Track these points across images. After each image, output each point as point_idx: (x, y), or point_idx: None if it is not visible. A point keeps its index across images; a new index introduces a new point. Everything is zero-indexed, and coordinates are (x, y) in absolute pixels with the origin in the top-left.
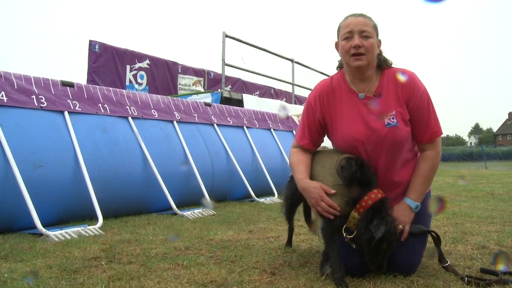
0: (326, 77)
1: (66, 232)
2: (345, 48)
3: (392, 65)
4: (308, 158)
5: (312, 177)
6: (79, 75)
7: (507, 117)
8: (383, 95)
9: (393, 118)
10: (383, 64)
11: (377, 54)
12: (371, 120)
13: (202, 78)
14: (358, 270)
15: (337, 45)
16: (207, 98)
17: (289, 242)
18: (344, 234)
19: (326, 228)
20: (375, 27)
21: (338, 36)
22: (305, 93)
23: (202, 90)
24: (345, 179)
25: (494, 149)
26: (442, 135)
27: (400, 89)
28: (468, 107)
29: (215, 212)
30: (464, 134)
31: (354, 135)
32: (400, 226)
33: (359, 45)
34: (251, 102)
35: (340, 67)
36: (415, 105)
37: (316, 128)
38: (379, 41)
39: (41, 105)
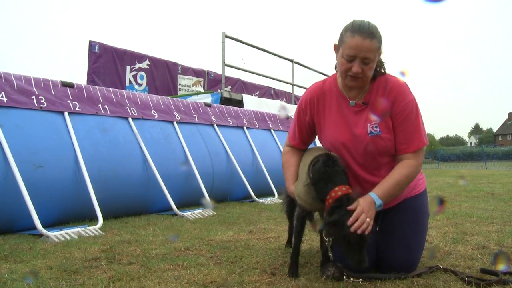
0: (326, 77)
1: (66, 233)
2: (344, 67)
3: (386, 72)
4: (297, 159)
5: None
6: (79, 76)
7: (507, 117)
8: (369, 104)
9: (376, 127)
10: (377, 69)
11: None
12: (356, 128)
13: (202, 79)
14: (357, 269)
15: (336, 47)
16: (207, 98)
17: (290, 241)
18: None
19: (296, 224)
20: (378, 47)
21: (339, 45)
22: None
23: (202, 90)
24: (311, 177)
25: (494, 149)
26: (442, 135)
27: (386, 97)
28: (468, 107)
29: (215, 213)
30: (464, 134)
31: (340, 139)
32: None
33: (358, 72)
34: (251, 102)
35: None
36: (397, 113)
37: (306, 129)
38: (380, 53)
39: (41, 105)
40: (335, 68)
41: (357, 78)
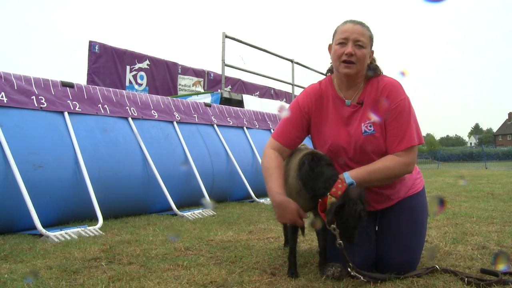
0: (322, 79)
1: (66, 233)
2: (338, 53)
3: (382, 73)
4: (281, 162)
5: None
6: (79, 76)
7: (507, 117)
8: (364, 103)
9: (370, 126)
10: (370, 73)
11: (367, 63)
12: (351, 127)
13: (202, 79)
14: (359, 268)
15: (330, 48)
16: (207, 98)
17: (287, 241)
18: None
19: (290, 227)
20: (370, 38)
21: (333, 39)
22: None
23: (202, 90)
24: (301, 180)
25: (494, 149)
26: (442, 135)
27: (379, 95)
28: (468, 107)
29: (215, 213)
30: (464, 134)
31: (336, 141)
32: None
33: (351, 53)
34: (251, 102)
35: (329, 71)
36: (389, 111)
37: (302, 127)
38: (372, 51)
39: (41, 105)
40: (326, 72)
41: (351, 63)
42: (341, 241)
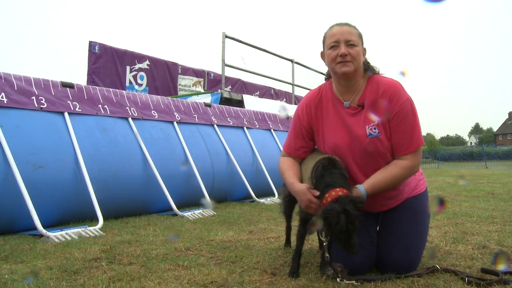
0: (322, 84)
1: (66, 233)
2: (331, 56)
3: (380, 73)
4: (296, 163)
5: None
6: (79, 76)
7: (507, 116)
8: (365, 105)
9: (374, 129)
10: (369, 73)
11: (363, 62)
12: (354, 130)
13: (202, 79)
14: (358, 269)
15: (322, 55)
16: (207, 98)
17: (288, 241)
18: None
19: (299, 227)
20: (360, 36)
21: (323, 46)
22: (305, 93)
23: (202, 90)
24: (314, 182)
25: (494, 148)
26: (443, 135)
27: (381, 98)
28: (468, 107)
29: (215, 213)
30: (464, 134)
31: (338, 143)
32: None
33: (345, 54)
34: (251, 102)
35: (328, 77)
36: (394, 113)
37: (303, 137)
38: (364, 49)
39: (41, 106)
40: (326, 78)
41: (346, 62)
42: (327, 254)
